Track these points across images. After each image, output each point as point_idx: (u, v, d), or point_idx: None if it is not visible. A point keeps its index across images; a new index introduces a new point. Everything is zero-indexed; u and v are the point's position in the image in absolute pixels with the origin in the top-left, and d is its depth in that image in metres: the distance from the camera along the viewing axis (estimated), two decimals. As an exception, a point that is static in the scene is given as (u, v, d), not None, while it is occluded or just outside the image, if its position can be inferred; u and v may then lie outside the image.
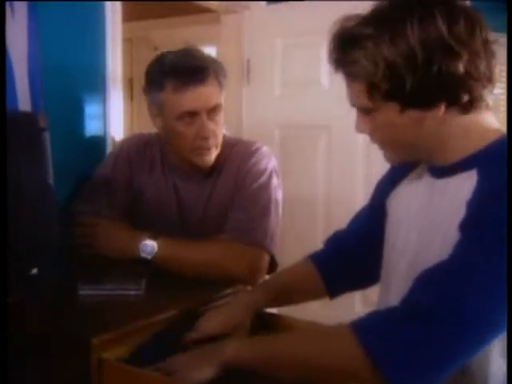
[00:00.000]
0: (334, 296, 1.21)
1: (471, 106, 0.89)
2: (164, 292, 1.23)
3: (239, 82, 2.66)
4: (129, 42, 3.33)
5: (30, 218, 1.10)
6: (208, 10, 2.86)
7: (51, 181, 1.10)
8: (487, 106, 0.91)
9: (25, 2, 1.46)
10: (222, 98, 1.43)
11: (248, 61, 2.65)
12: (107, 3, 1.80)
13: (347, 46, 0.90)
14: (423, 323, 0.79)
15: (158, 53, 1.48)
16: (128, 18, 2.17)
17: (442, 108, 0.88)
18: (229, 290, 1.26)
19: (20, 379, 1.01)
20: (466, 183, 0.90)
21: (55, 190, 1.14)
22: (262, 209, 1.41)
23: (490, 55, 0.89)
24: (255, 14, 2.63)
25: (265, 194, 1.43)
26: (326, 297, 1.22)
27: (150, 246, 1.34)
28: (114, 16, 1.84)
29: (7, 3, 1.38)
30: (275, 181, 1.47)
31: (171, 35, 3.32)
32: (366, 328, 0.84)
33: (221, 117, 1.43)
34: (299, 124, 2.55)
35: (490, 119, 0.94)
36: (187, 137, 1.41)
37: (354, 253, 1.19)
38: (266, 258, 1.38)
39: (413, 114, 0.90)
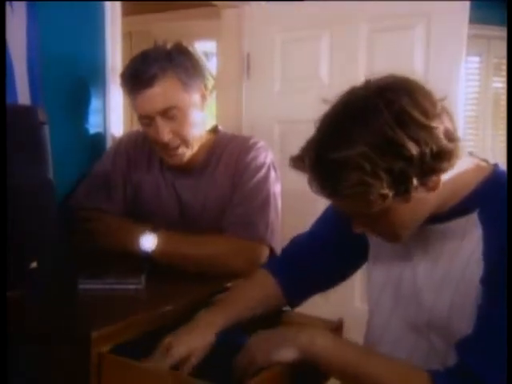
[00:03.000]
0: (294, 306, 1.20)
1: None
2: (164, 286, 1.23)
3: (239, 77, 2.66)
4: (128, 36, 3.32)
5: (30, 213, 1.09)
6: (208, 5, 2.85)
7: (51, 175, 1.10)
8: None
9: (24, -3, 1.46)
10: (186, 95, 1.39)
11: (248, 55, 2.65)
12: (107, -2, 1.80)
13: (338, 173, 0.82)
14: None
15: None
16: (128, 12, 2.17)
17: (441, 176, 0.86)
18: (229, 284, 1.26)
19: (20, 376, 1.01)
20: (469, 229, 0.91)
21: (55, 184, 1.14)
22: (261, 203, 1.41)
23: (447, 110, 0.87)
24: (255, 8, 2.62)
25: (263, 189, 1.43)
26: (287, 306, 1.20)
27: (150, 239, 1.34)
28: (113, 10, 1.83)
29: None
30: (273, 175, 1.47)
31: (171, 29, 3.31)
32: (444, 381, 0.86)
33: (185, 114, 1.39)
34: (299, 119, 2.53)
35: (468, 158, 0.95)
36: (150, 137, 1.43)
37: (315, 261, 1.17)
38: (266, 252, 1.38)
39: (421, 193, 0.86)
